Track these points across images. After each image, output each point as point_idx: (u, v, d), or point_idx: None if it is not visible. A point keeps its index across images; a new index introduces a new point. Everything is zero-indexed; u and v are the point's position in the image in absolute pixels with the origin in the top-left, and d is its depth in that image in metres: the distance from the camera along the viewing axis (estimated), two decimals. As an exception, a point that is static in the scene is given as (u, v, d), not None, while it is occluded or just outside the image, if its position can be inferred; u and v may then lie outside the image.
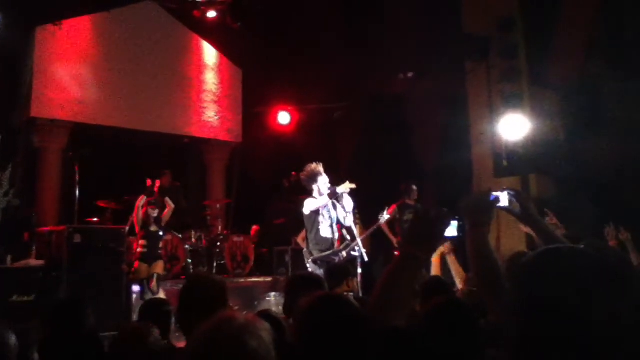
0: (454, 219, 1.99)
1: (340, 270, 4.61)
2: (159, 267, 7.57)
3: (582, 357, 1.07)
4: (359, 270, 6.37)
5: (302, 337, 1.65)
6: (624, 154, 6.85)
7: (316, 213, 6.38)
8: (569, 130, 8.02)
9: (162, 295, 7.17)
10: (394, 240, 8.20)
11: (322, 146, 10.18)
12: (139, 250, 7.53)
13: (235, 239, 9.48)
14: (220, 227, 10.03)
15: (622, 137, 6.88)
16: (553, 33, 7.85)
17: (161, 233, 7.79)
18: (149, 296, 7.14)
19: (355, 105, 10.96)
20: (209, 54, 11.77)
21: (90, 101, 9.98)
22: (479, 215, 1.95)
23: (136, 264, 7.48)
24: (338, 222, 6.43)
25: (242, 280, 8.99)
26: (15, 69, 9.26)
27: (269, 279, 9.02)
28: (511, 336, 1.17)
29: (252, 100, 11.76)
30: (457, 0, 8.97)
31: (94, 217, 8.79)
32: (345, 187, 6.23)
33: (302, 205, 6.49)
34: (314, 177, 6.45)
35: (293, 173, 9.66)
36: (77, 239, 7.45)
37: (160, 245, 7.84)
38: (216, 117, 11.66)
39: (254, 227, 10.55)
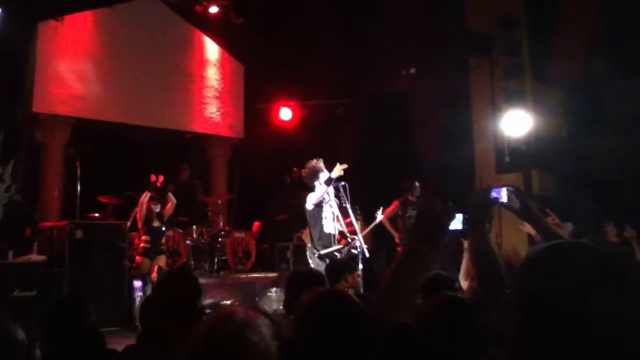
0: (459, 212, 1.99)
1: (339, 266, 4.60)
2: (162, 261, 7.64)
3: (583, 357, 1.06)
4: (360, 266, 6.38)
5: (303, 334, 1.64)
6: (625, 151, 6.85)
7: (319, 209, 6.38)
8: (572, 127, 8.03)
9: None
10: (396, 235, 8.21)
11: (323, 142, 10.19)
12: (141, 245, 7.56)
13: (237, 234, 9.49)
14: (222, 223, 10.03)
15: (624, 134, 6.88)
16: (556, 31, 7.86)
17: (164, 229, 7.82)
18: (150, 290, 7.16)
19: (357, 102, 10.96)
20: (211, 49, 11.75)
21: (92, 97, 9.96)
22: (479, 213, 1.94)
23: (138, 259, 7.51)
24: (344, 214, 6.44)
25: (243, 275, 9.00)
26: (17, 65, 9.24)
27: (271, 274, 9.04)
28: (511, 335, 1.16)
29: (254, 96, 11.74)
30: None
31: (96, 213, 8.81)
32: (337, 171, 6.22)
33: (305, 202, 6.50)
34: (315, 174, 6.45)
35: (294, 169, 9.67)
36: (79, 234, 7.50)
37: (163, 240, 7.87)
38: (218, 113, 11.65)
39: (256, 223, 10.55)
